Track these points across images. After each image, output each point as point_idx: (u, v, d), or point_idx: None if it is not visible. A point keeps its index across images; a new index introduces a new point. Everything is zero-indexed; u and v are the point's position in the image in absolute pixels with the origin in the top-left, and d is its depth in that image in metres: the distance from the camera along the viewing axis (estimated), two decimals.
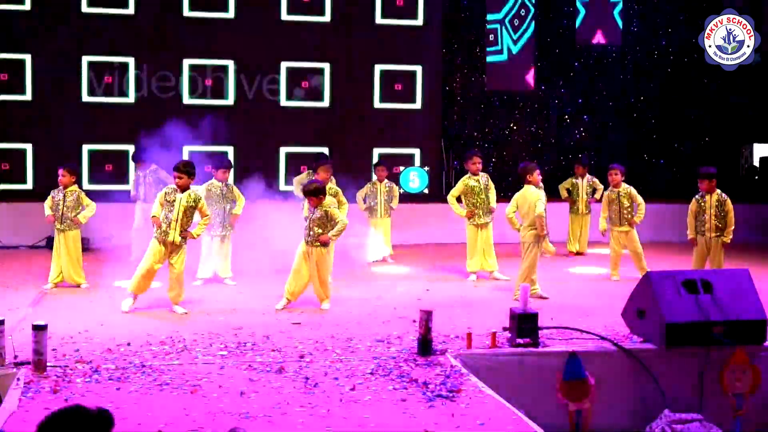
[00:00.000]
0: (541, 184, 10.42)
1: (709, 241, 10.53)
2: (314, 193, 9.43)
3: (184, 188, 9.24)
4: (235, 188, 11.04)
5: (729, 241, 10.54)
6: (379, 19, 16.32)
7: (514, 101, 17.88)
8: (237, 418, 5.72)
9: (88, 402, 5.91)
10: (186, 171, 9.27)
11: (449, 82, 17.49)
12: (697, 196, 10.66)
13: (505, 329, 7.71)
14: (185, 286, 9.52)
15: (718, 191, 10.52)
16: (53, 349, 7.19)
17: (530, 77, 16.99)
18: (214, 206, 10.64)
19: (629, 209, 11.54)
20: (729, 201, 10.52)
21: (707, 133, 18.51)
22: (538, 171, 10.27)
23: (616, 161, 12.45)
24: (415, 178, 15.37)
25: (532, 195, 10.07)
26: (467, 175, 11.54)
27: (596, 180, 14.10)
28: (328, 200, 9.70)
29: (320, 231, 9.33)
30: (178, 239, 9.17)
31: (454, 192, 11.56)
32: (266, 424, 5.64)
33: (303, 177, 12.14)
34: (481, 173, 11.49)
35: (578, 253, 13.92)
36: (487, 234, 11.34)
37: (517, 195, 10.28)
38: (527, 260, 10.07)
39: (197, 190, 9.90)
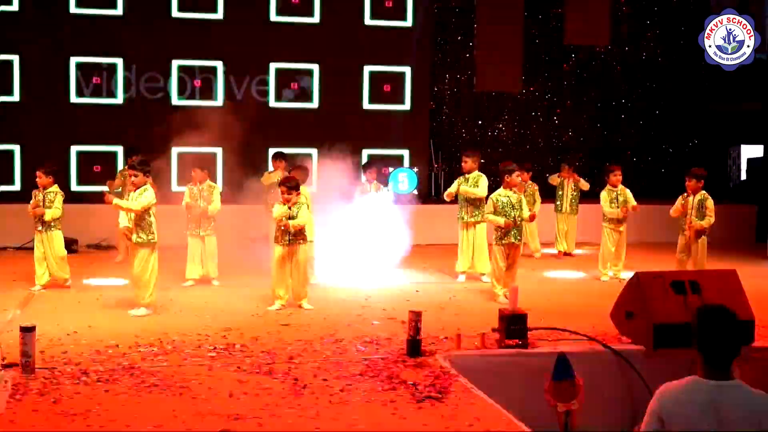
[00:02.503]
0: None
1: (689, 240, 10.66)
2: (296, 188, 9.50)
3: (138, 186, 9.21)
4: (216, 192, 10.93)
5: (699, 226, 10.55)
6: (368, 20, 16.32)
7: (503, 102, 17.92)
8: (226, 420, 5.71)
9: (76, 404, 5.92)
10: (141, 168, 9.27)
11: (438, 82, 17.50)
12: (683, 195, 10.80)
13: (494, 330, 7.72)
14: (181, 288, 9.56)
15: (702, 192, 10.62)
16: (41, 351, 7.16)
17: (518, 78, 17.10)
18: (194, 206, 10.76)
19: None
20: (710, 200, 10.62)
21: (695, 134, 18.58)
22: (517, 173, 10.26)
23: (604, 161, 12.53)
24: (405, 179, 15.35)
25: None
26: (462, 176, 11.55)
27: (581, 180, 14.09)
28: (301, 199, 9.70)
29: (300, 232, 9.47)
30: (135, 238, 9.17)
31: (451, 190, 11.46)
32: (255, 426, 5.63)
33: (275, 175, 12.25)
34: (477, 172, 11.41)
35: (566, 254, 13.93)
36: (477, 234, 11.32)
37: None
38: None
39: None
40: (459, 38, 17.58)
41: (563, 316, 8.96)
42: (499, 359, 7.40)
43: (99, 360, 7.11)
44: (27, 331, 6.63)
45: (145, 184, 9.21)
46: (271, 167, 12.87)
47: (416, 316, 7.35)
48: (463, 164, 11.47)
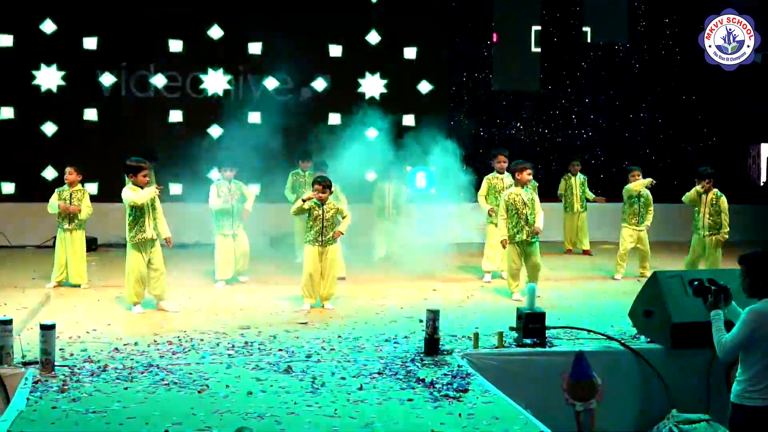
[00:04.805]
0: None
1: (702, 240, 10.76)
2: (330, 186, 9.50)
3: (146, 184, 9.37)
4: (242, 186, 10.95)
5: (724, 239, 10.70)
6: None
7: (521, 101, 17.86)
8: (244, 418, 5.73)
9: (95, 401, 5.96)
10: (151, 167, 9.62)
11: (455, 81, 17.45)
12: (698, 188, 10.86)
13: (512, 329, 7.71)
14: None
15: (715, 190, 10.69)
16: (61, 349, 7.21)
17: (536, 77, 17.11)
18: (224, 205, 10.69)
19: (645, 209, 11.65)
20: (724, 199, 10.73)
21: (714, 133, 18.47)
22: (528, 171, 10.19)
23: (623, 161, 12.52)
24: (422, 179, 15.34)
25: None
26: (492, 174, 11.57)
27: (586, 178, 14.11)
28: (331, 197, 9.74)
29: (333, 230, 9.42)
30: (155, 234, 9.24)
31: (482, 191, 11.55)
32: (273, 424, 5.65)
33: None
34: (506, 173, 11.42)
35: (585, 252, 13.90)
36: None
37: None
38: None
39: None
40: (476, 37, 17.51)
41: (581, 315, 8.94)
42: (516, 358, 7.39)
43: (118, 358, 7.15)
44: (47, 328, 6.68)
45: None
46: (297, 168, 12.81)
47: (434, 315, 7.35)
48: (503, 163, 11.49)
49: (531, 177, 10.23)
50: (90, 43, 14.92)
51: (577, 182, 14.09)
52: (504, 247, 10.23)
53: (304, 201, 9.40)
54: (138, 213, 9.10)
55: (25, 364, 6.80)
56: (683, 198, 11.05)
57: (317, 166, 11.78)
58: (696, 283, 6.32)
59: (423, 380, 6.62)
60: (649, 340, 7.78)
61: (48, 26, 14.76)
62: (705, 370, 7.42)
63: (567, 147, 17.88)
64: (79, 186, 10.61)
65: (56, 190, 10.60)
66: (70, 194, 10.52)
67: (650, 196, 11.70)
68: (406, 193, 13.13)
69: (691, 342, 7.42)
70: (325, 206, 9.38)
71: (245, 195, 10.85)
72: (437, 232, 14.04)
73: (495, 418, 5.81)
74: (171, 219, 9.72)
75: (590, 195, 13.98)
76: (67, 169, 10.61)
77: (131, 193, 9.07)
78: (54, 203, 10.48)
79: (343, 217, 9.53)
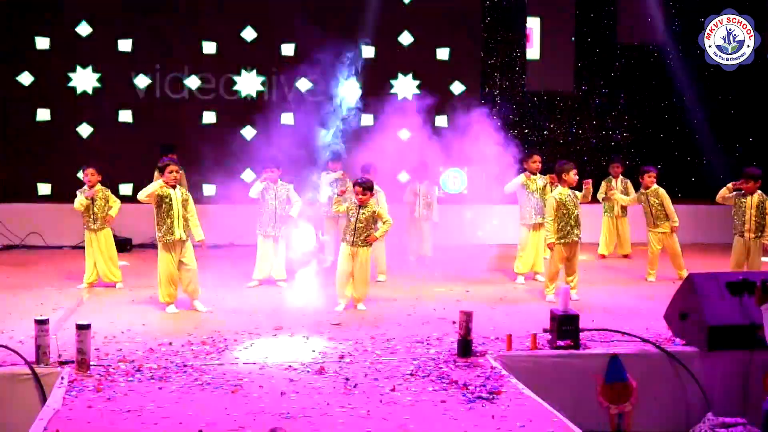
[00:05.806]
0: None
1: (748, 242, 10.60)
2: (371, 188, 9.48)
3: (176, 184, 9.35)
4: (291, 190, 10.84)
5: (766, 242, 10.51)
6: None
7: (554, 101, 17.77)
8: (277, 418, 5.75)
9: (130, 401, 6.01)
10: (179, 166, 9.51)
11: (488, 82, 17.41)
12: (735, 193, 10.68)
13: (545, 331, 7.67)
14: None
15: (759, 192, 10.54)
16: (96, 349, 7.27)
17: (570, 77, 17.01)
18: (267, 206, 10.69)
19: (660, 210, 11.50)
20: None
21: (751, 133, 18.26)
22: (574, 171, 10.10)
23: (658, 162, 12.39)
24: (455, 179, 15.32)
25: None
26: (524, 174, 11.43)
27: (628, 182, 13.96)
28: (373, 200, 9.71)
29: (368, 233, 9.39)
30: (184, 235, 9.27)
31: (514, 184, 11.35)
32: (306, 425, 5.66)
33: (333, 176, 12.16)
34: (539, 174, 11.33)
35: (625, 256, 13.76)
36: (540, 235, 11.15)
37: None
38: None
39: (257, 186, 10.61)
40: (509, 36, 17.45)
41: (615, 317, 8.88)
42: (550, 360, 7.36)
43: (152, 358, 7.21)
44: (83, 328, 6.74)
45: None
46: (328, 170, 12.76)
47: (467, 317, 7.33)
48: (538, 164, 11.33)
49: (577, 177, 10.11)
50: (125, 45, 15.07)
51: (618, 185, 13.93)
52: (551, 249, 10.08)
53: (338, 195, 9.45)
54: (162, 212, 9.22)
55: (61, 363, 6.87)
56: (717, 197, 10.93)
57: (364, 168, 11.62)
58: (741, 278, 6.13)
59: (456, 382, 6.61)
60: (684, 342, 7.71)
61: (83, 29, 14.94)
62: (742, 373, 7.35)
63: (601, 148, 17.79)
64: (99, 186, 10.65)
65: (78, 191, 10.65)
66: (92, 195, 10.57)
67: (664, 196, 11.52)
68: (438, 193, 13.07)
69: (728, 345, 7.35)
70: (362, 208, 9.37)
71: (292, 198, 10.76)
72: (469, 232, 14.06)
73: (528, 420, 5.79)
74: (204, 220, 9.78)
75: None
76: (90, 170, 10.65)
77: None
78: (79, 203, 10.53)
79: (384, 222, 9.53)
